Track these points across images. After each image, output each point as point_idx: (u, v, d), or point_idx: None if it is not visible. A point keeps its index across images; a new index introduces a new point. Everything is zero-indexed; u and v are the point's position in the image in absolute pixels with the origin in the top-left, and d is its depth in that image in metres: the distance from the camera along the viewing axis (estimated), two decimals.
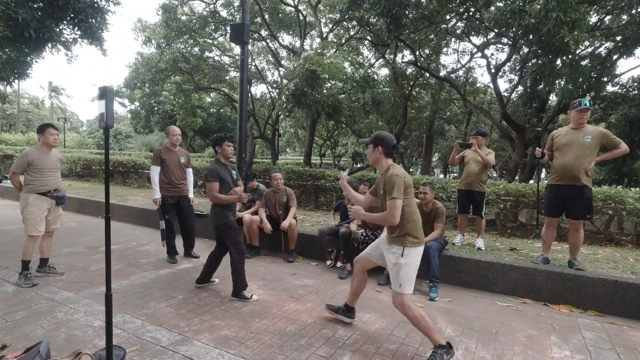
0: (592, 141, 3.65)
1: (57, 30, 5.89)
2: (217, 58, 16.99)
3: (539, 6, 6.90)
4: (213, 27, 14.47)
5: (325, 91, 9.06)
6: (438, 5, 9.11)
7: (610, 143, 3.67)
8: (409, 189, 2.53)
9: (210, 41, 15.49)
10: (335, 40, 15.76)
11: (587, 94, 10.01)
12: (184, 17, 13.62)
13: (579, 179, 3.66)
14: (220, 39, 15.79)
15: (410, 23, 9.92)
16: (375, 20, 8.96)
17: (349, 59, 15.05)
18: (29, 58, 6.40)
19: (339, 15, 10.81)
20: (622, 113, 11.48)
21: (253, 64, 15.32)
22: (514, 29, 8.53)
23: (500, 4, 8.49)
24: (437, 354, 2.41)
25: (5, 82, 7.12)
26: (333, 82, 10.81)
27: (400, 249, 2.52)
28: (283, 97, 9.80)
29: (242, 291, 3.52)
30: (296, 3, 13.78)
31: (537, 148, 4.17)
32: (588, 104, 3.71)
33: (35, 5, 5.50)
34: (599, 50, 10.43)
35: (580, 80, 9.07)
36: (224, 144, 3.63)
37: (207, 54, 15.75)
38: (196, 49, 14.61)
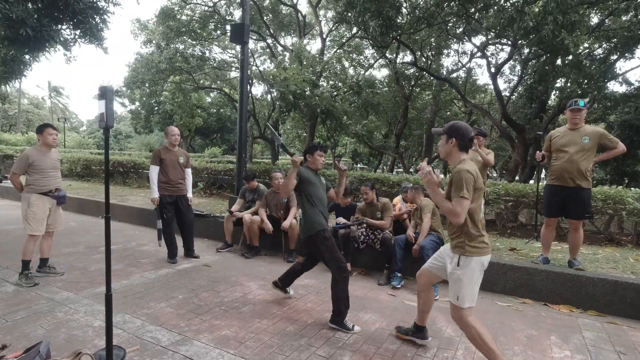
0: (590, 142, 3.65)
1: (57, 29, 5.88)
2: (218, 58, 17.01)
3: (537, 9, 6.89)
4: (213, 27, 14.49)
5: (317, 97, 9.08)
6: (437, 7, 9.11)
7: (608, 143, 3.67)
8: (479, 190, 2.25)
9: (209, 41, 15.51)
10: (337, 39, 15.77)
11: (589, 94, 10.02)
12: (184, 17, 13.65)
13: (578, 179, 3.66)
14: (222, 36, 15.81)
15: (408, 25, 9.92)
16: (367, 22, 8.98)
17: (351, 57, 15.03)
18: (28, 57, 6.40)
19: (340, 9, 10.80)
20: (621, 116, 11.50)
21: (254, 63, 15.33)
22: (513, 31, 8.53)
23: (498, 6, 8.49)
24: None
25: (4, 83, 7.11)
26: (327, 86, 10.86)
27: (457, 257, 2.28)
28: (277, 103, 9.83)
29: (344, 320, 2.96)
30: (295, 2, 13.79)
31: (537, 152, 4.15)
32: (581, 104, 3.70)
33: (33, 6, 5.49)
34: (599, 51, 10.45)
35: (581, 80, 9.09)
36: (315, 153, 3.26)
37: (207, 53, 15.76)
38: (197, 48, 14.63)
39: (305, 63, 9.70)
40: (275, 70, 8.64)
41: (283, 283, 3.55)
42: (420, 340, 2.77)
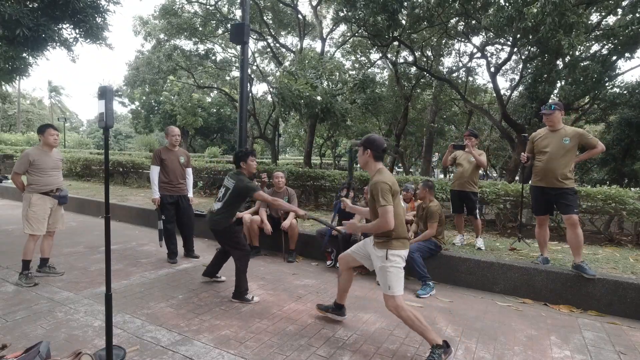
0: (570, 143, 3.72)
1: (56, 29, 5.86)
2: (219, 57, 17.02)
3: (536, 10, 6.89)
4: (214, 24, 14.50)
5: (319, 97, 9.06)
6: (438, 6, 9.08)
7: (588, 143, 3.74)
8: (395, 194, 2.55)
9: (210, 40, 15.51)
10: (337, 38, 15.77)
11: (588, 95, 10.01)
12: (185, 14, 13.65)
13: (560, 180, 3.72)
14: (223, 35, 15.83)
15: (410, 24, 9.89)
16: (372, 19, 8.95)
17: (355, 57, 15.03)
18: (30, 57, 6.38)
19: (341, 9, 10.77)
20: (620, 115, 11.49)
21: (255, 63, 15.33)
22: (513, 31, 8.52)
23: (498, 5, 8.48)
24: (435, 354, 2.43)
25: (7, 81, 7.08)
26: (331, 85, 10.83)
27: (384, 252, 2.55)
28: (276, 104, 9.87)
29: (245, 294, 3.50)
30: (295, 3, 13.78)
31: (522, 153, 4.19)
32: (552, 108, 3.77)
33: (31, 5, 5.46)
34: (599, 51, 10.43)
35: (580, 80, 9.08)
36: (248, 159, 3.61)
37: (209, 52, 15.77)
38: (199, 46, 14.65)
39: (308, 63, 9.69)
40: (281, 74, 8.65)
41: (212, 271, 3.94)
42: (338, 317, 3.09)
